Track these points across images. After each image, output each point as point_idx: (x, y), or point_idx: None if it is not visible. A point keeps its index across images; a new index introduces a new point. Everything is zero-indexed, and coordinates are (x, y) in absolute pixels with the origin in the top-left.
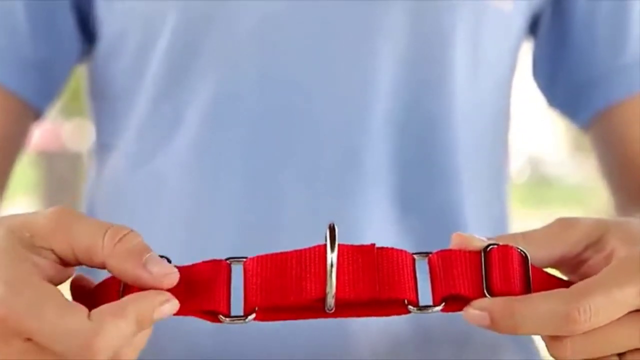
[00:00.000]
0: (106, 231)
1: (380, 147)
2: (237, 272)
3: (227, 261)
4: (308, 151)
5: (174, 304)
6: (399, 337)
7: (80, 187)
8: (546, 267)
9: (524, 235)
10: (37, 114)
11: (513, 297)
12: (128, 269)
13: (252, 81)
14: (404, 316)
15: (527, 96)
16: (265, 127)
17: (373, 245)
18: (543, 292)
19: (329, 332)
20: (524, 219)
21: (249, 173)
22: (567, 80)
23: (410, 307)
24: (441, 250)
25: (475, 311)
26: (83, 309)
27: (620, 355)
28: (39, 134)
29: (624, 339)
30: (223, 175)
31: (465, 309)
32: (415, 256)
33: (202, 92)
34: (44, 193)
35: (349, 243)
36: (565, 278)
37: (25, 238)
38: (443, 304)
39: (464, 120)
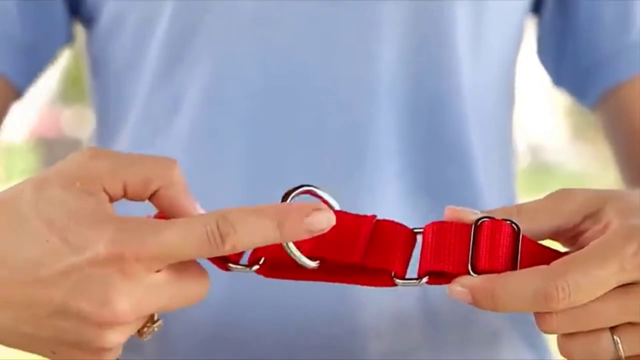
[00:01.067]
0: (157, 162)
1: (386, 127)
2: None
3: None
4: (312, 133)
5: (327, 213)
6: (405, 316)
7: None
8: (544, 238)
9: (519, 207)
10: (17, 94)
11: (493, 276)
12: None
13: (252, 62)
14: (410, 298)
15: (526, 83)
16: (266, 110)
17: (373, 216)
18: (523, 270)
19: (334, 310)
20: None
21: (251, 157)
22: (573, 59)
23: (396, 279)
24: (435, 222)
25: (458, 288)
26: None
27: (612, 328)
28: (38, 121)
29: (611, 314)
30: (224, 159)
31: (448, 285)
32: (417, 231)
33: (201, 73)
34: None
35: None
36: (563, 250)
37: (79, 189)
38: (427, 277)
39: (470, 99)
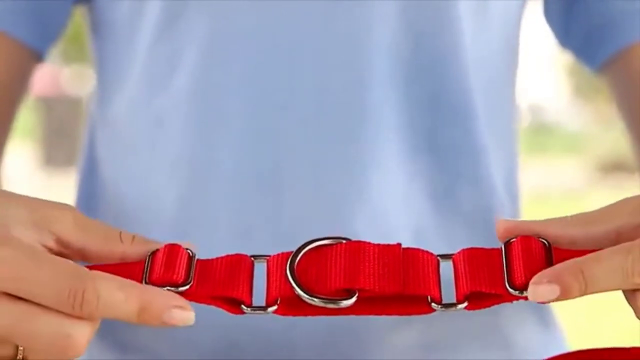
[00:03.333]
0: (120, 232)
1: (386, 84)
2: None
3: (251, 258)
4: (311, 89)
5: (186, 314)
6: None
7: (79, 132)
8: (607, 245)
9: (576, 215)
10: (37, 57)
11: (577, 259)
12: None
13: (250, 18)
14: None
15: (528, 43)
16: (265, 67)
17: (399, 245)
18: (607, 249)
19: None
20: (525, 166)
21: (250, 115)
22: (583, 19)
23: (433, 304)
24: (464, 249)
25: (543, 286)
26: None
27: None
28: (38, 79)
29: None
30: (224, 117)
31: (530, 287)
32: (439, 258)
33: (200, 30)
34: (43, 138)
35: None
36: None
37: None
38: (466, 302)
39: (473, 58)
